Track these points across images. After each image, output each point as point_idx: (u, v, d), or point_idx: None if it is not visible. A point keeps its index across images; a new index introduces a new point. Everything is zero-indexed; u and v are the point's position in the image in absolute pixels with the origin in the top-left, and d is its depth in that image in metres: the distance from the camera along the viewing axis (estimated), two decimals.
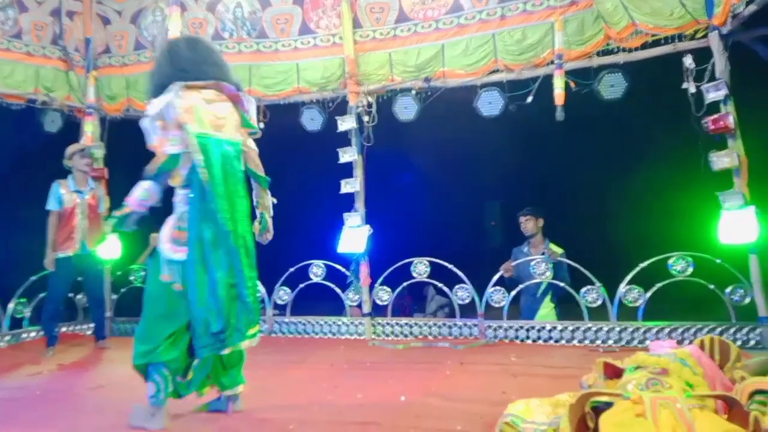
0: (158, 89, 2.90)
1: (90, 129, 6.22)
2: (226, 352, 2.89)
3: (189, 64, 2.90)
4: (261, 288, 5.77)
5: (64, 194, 5.22)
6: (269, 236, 3.23)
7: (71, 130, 6.18)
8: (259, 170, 3.12)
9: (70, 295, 5.79)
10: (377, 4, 5.71)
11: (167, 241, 2.89)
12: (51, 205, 5.18)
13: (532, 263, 5.13)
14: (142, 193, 2.93)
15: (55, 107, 6.05)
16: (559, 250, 5.26)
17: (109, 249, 5.52)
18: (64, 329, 5.82)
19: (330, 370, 4.15)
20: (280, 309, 5.87)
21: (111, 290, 6.21)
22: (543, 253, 5.22)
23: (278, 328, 5.79)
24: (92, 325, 5.72)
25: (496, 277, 5.23)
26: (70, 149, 5.39)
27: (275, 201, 3.24)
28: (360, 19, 5.76)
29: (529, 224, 5.45)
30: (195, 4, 6.11)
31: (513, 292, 5.17)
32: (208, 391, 3.13)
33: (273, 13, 5.97)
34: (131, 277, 6.17)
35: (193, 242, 2.81)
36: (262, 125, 5.96)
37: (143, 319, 2.94)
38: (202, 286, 2.78)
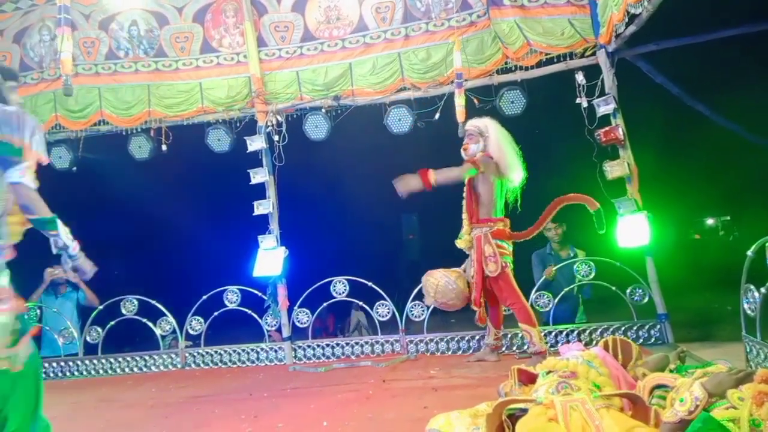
0: None
1: None
2: None
3: None
4: (171, 320, 5.48)
5: None
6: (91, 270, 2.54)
7: None
8: (41, 213, 2.34)
9: None
10: (281, 22, 5.66)
11: None
12: None
13: (575, 265, 5.04)
14: None
15: None
16: (582, 252, 5.34)
17: None
18: None
19: (249, 401, 3.97)
20: (193, 340, 5.57)
21: None
22: (574, 255, 5.26)
23: (192, 360, 5.49)
24: None
25: (415, 291, 5.22)
26: None
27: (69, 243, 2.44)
28: (265, 37, 5.68)
29: (558, 231, 5.44)
30: (86, 22, 5.77)
31: (430, 307, 5.19)
32: None
33: (172, 31, 5.76)
34: None
35: None
36: (164, 147, 5.71)
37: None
38: None
